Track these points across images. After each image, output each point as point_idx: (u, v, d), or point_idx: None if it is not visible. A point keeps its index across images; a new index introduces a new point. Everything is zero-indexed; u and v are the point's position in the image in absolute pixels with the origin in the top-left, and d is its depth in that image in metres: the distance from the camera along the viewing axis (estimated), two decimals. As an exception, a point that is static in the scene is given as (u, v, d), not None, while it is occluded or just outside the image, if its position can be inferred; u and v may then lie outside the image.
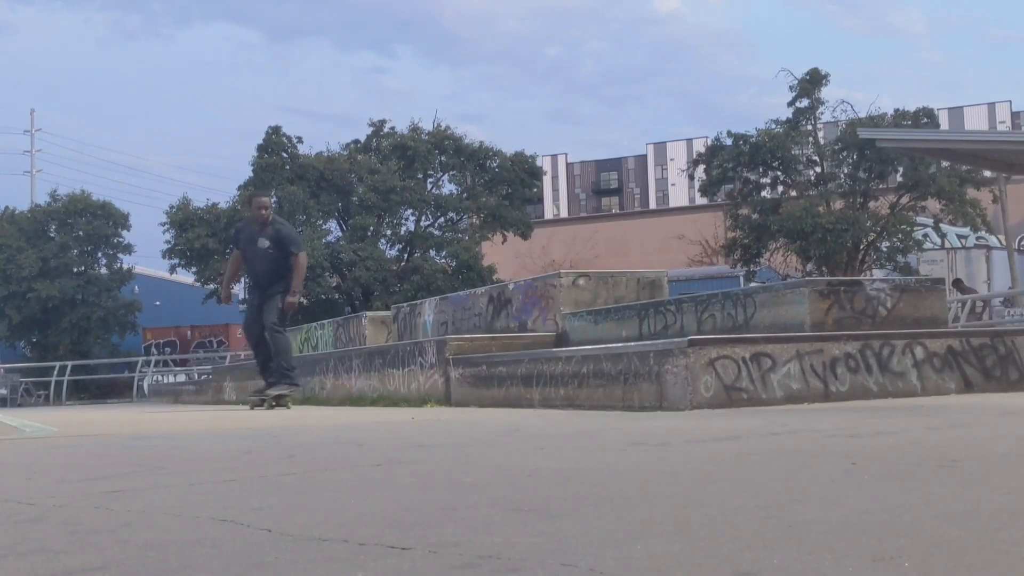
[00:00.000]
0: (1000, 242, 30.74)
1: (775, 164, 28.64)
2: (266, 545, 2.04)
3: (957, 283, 25.01)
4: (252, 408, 10.13)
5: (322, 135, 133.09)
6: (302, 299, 31.29)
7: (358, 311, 23.83)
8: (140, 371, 31.54)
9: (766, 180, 29.35)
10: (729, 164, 28.79)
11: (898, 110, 28.72)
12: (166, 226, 31.58)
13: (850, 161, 28.25)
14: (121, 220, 36.76)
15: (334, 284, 31.78)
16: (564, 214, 51.56)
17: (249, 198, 10.54)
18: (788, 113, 28.79)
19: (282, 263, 10.20)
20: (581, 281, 10.59)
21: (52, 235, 36.30)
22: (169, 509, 2.60)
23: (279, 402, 10.01)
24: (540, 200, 45.29)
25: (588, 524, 2.13)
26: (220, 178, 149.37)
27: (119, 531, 2.31)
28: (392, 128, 33.56)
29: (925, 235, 29.44)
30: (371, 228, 31.64)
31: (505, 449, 4.22)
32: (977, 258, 29.86)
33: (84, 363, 32.71)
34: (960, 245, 31.70)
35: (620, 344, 7.08)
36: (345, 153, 32.94)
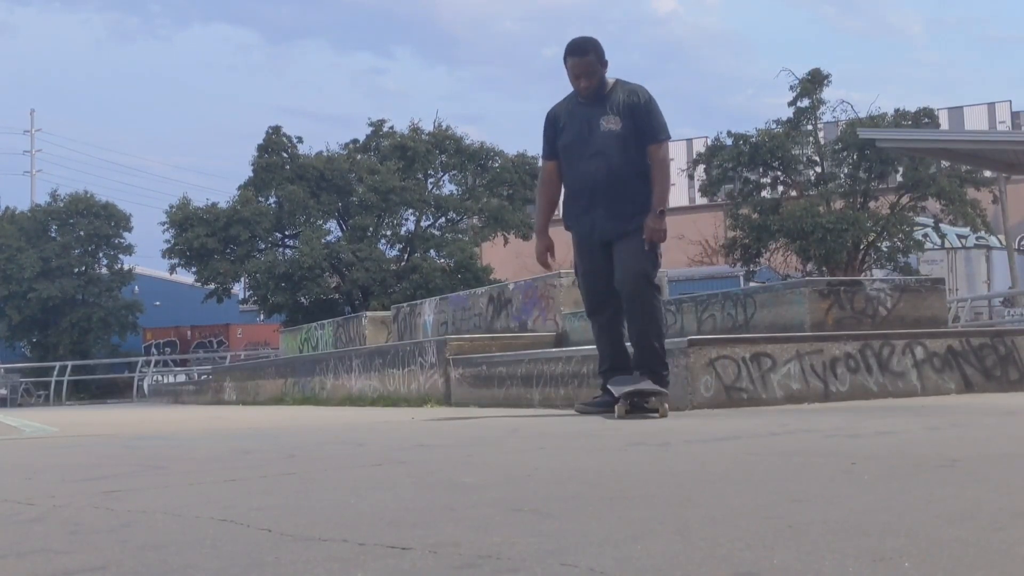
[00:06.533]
0: (1000, 242, 30.74)
1: (775, 164, 28.66)
2: (266, 545, 2.04)
3: None
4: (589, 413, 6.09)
5: (320, 136, 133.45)
6: (302, 299, 31.52)
7: (358, 311, 23.84)
8: (140, 371, 31.55)
9: (766, 180, 29.37)
10: (729, 164, 28.81)
11: (898, 110, 28.74)
12: (166, 226, 31.60)
13: (850, 161, 28.27)
14: (122, 221, 36.81)
15: (334, 284, 31.80)
16: (564, 214, 51.37)
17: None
18: (789, 113, 28.83)
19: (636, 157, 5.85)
20: (581, 281, 10.58)
21: (53, 235, 36.33)
22: (169, 509, 2.60)
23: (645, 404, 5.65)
24: (540, 200, 45.23)
25: (588, 524, 2.13)
26: (220, 178, 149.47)
27: (119, 531, 2.31)
28: (391, 128, 33.57)
29: (925, 235, 29.46)
30: (371, 228, 31.65)
31: (505, 449, 4.22)
32: (977, 258, 29.88)
33: (84, 363, 32.73)
34: (960, 245, 31.71)
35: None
36: (344, 153, 32.95)
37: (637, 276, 5.81)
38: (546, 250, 6.17)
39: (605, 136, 5.81)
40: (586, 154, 5.86)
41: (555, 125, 6.03)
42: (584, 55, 5.84)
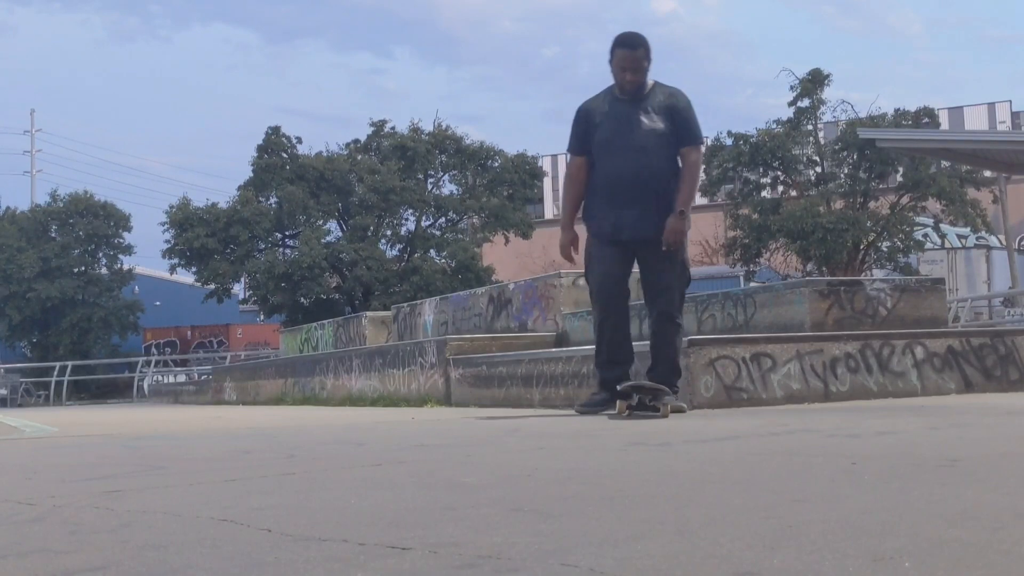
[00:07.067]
0: (1000, 242, 30.75)
1: (775, 164, 28.66)
2: (266, 545, 2.04)
3: None
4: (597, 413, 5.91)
5: (320, 136, 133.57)
6: (302, 299, 31.49)
7: (358, 311, 23.83)
8: (140, 371, 31.55)
9: (766, 180, 29.37)
10: (729, 164, 28.80)
11: (898, 110, 28.76)
12: (166, 226, 31.60)
13: (850, 161, 28.27)
14: (122, 221, 36.82)
15: (334, 284, 31.79)
16: (564, 214, 51.54)
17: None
18: (789, 113, 28.82)
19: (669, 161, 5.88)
20: (581, 281, 10.55)
21: (53, 235, 36.33)
22: (169, 509, 2.60)
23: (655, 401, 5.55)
24: (540, 200, 45.30)
25: (588, 524, 2.13)
26: (220, 178, 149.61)
27: (119, 531, 2.31)
28: (392, 128, 33.56)
29: (925, 235, 29.47)
30: (371, 228, 31.65)
31: (505, 449, 4.22)
32: (977, 258, 29.88)
33: (84, 363, 32.72)
34: (960, 245, 31.71)
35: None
36: (345, 153, 32.95)
37: (673, 296, 5.91)
38: (570, 243, 6.06)
39: (647, 134, 5.76)
40: (624, 150, 5.78)
41: (589, 120, 5.91)
42: (635, 49, 5.79)
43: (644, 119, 5.78)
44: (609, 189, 5.86)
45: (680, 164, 5.88)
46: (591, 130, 5.90)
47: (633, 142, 5.77)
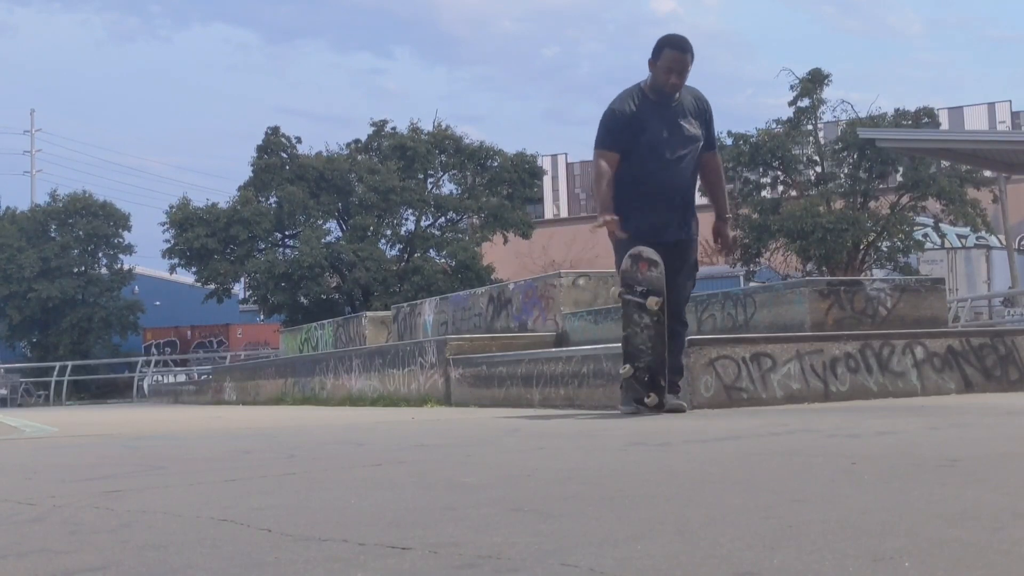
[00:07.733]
0: (1000, 242, 30.74)
1: (775, 164, 28.65)
2: (266, 545, 2.04)
3: None
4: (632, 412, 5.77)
5: (320, 136, 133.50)
6: (302, 299, 31.49)
7: (358, 311, 23.83)
8: (140, 371, 31.54)
9: (766, 180, 29.36)
10: (729, 164, 28.77)
11: (898, 110, 28.74)
12: (166, 226, 31.60)
13: (850, 161, 28.26)
14: (121, 221, 36.83)
15: (334, 284, 31.79)
16: (564, 214, 51.62)
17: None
18: (789, 113, 28.82)
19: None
20: (581, 281, 10.60)
21: (53, 235, 36.33)
22: (169, 509, 2.60)
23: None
24: (540, 200, 45.25)
25: (588, 524, 2.13)
26: (220, 178, 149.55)
27: (119, 531, 2.31)
28: (392, 128, 33.55)
29: (925, 235, 29.45)
30: (371, 228, 31.64)
31: (505, 449, 4.22)
32: (977, 258, 29.86)
33: (84, 363, 32.72)
34: (960, 245, 31.71)
35: (620, 344, 7.05)
36: (345, 153, 32.95)
37: (684, 297, 6.03)
38: (617, 222, 5.76)
39: (689, 140, 5.87)
40: (671, 156, 5.82)
41: (630, 120, 5.82)
42: (685, 52, 5.82)
43: (685, 124, 5.86)
44: (654, 193, 5.83)
45: (706, 169, 6.06)
46: (631, 131, 5.82)
47: (679, 150, 5.85)
